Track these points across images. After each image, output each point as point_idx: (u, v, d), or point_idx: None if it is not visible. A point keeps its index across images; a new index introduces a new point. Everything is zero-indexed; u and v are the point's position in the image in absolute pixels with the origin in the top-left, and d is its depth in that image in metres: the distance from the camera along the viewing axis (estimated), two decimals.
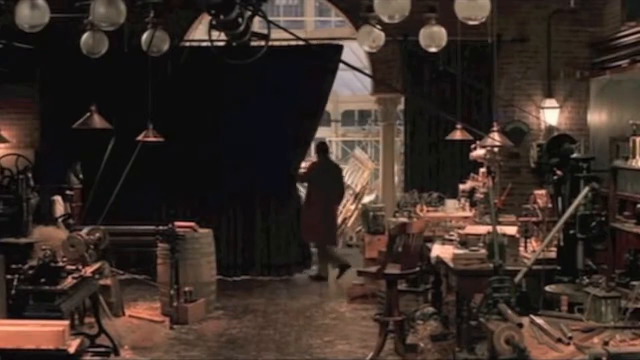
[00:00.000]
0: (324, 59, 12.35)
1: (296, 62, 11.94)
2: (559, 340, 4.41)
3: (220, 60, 7.25)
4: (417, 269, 8.30)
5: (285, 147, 12.64)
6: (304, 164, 13.75)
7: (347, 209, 14.85)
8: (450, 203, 10.05)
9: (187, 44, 12.37)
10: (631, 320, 4.74)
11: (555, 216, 6.78)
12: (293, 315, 10.27)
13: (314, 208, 12.46)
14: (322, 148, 13.08)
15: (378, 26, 8.47)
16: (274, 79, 12.14)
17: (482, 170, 10.13)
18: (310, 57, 11.52)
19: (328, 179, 12.60)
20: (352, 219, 14.95)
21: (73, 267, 7.35)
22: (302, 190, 13.55)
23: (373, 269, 8.35)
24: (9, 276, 6.83)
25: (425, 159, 12.96)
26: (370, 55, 12.54)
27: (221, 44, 7.25)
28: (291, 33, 7.63)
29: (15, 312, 6.63)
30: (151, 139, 9.97)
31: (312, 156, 15.66)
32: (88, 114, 9.89)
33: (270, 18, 7.72)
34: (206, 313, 9.94)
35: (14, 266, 6.98)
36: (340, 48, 12.61)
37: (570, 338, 4.42)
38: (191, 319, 9.53)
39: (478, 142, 10.38)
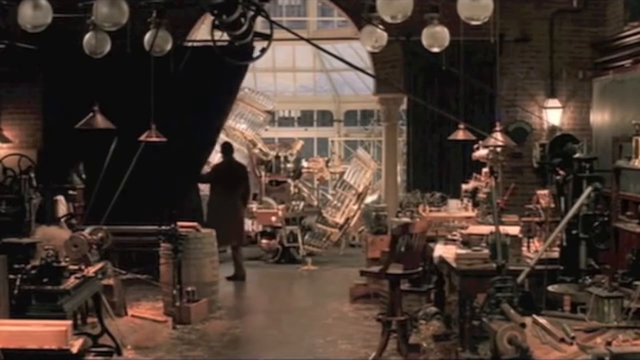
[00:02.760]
0: (234, 59, 11.92)
1: (207, 62, 11.55)
2: (562, 340, 4.41)
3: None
4: (420, 268, 8.31)
5: (191, 146, 12.38)
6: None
7: (349, 209, 14.85)
8: (453, 203, 10.05)
9: (190, 44, 12.36)
10: (634, 320, 4.73)
11: (558, 216, 6.79)
12: (295, 315, 10.28)
13: (219, 209, 12.33)
14: (227, 148, 12.91)
15: (380, 26, 8.46)
16: (185, 78, 11.88)
17: (485, 170, 10.15)
18: (220, 57, 11.13)
19: (232, 179, 12.45)
20: (355, 219, 14.95)
21: (76, 267, 7.36)
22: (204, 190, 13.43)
23: (376, 268, 8.35)
24: (11, 276, 6.83)
25: (427, 159, 12.96)
26: (373, 55, 12.54)
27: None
28: (294, 33, 7.64)
29: (18, 312, 6.63)
30: (154, 139, 9.98)
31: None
32: (91, 114, 9.90)
33: (273, 18, 7.73)
34: (209, 313, 9.95)
35: (16, 266, 6.98)
36: (251, 49, 12.38)
37: (573, 338, 4.41)
38: (194, 319, 9.54)
39: (481, 142, 10.39)
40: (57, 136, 12.28)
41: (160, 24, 8.80)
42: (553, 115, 12.82)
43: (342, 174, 15.93)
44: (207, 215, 12.71)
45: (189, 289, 9.69)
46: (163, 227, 9.72)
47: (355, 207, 14.69)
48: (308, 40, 10.52)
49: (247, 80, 19.15)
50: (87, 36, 8.56)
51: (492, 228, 6.96)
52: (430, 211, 9.96)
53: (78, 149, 11.87)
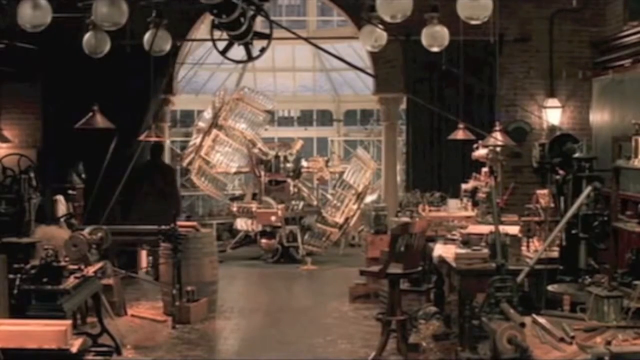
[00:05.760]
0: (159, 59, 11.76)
1: (134, 62, 10.87)
2: (562, 339, 4.41)
3: None
4: (420, 268, 8.30)
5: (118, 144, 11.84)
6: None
7: (349, 209, 14.84)
8: (453, 203, 10.05)
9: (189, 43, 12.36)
10: (633, 320, 4.74)
11: (558, 216, 6.79)
12: (295, 315, 10.27)
13: (136, 209, 12.14)
14: (155, 150, 12.72)
15: (380, 26, 8.47)
16: (111, 77, 11.59)
17: (485, 169, 10.15)
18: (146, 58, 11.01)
19: (156, 179, 12.27)
20: (355, 218, 14.94)
21: (75, 267, 7.37)
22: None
23: (375, 268, 8.34)
24: (11, 276, 6.83)
25: (427, 159, 12.96)
26: (373, 54, 12.53)
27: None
28: (293, 33, 7.65)
29: (18, 311, 6.63)
30: (153, 138, 9.98)
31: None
32: (90, 113, 9.91)
33: (272, 18, 7.73)
34: (208, 312, 9.95)
35: (16, 266, 6.98)
36: (177, 49, 12.22)
37: (572, 337, 4.41)
38: (193, 319, 9.53)
39: (480, 142, 10.39)
40: (57, 136, 12.26)
41: (160, 24, 8.80)
42: (553, 114, 12.82)
43: (341, 173, 15.91)
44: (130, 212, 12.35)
45: (189, 288, 9.69)
46: (163, 227, 9.71)
47: (355, 206, 14.68)
48: (308, 40, 10.54)
49: (247, 80, 19.22)
50: (87, 36, 8.56)
51: (492, 228, 6.96)
52: (430, 211, 9.96)
53: (78, 149, 11.86)
